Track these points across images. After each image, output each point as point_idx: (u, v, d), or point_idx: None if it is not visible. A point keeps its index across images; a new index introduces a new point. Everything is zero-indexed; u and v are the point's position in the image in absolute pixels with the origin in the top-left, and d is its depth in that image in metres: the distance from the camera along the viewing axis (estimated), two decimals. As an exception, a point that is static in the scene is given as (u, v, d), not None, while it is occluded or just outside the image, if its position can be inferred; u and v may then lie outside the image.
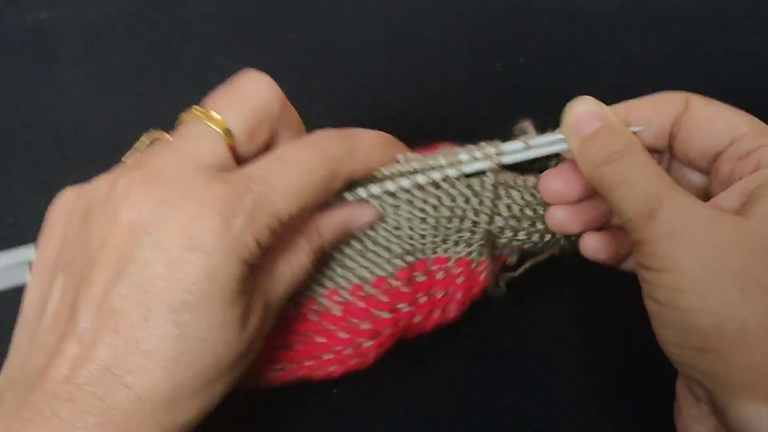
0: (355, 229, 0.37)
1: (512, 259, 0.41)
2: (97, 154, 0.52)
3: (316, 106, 0.53)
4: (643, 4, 0.55)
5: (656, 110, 0.36)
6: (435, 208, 0.37)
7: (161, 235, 0.30)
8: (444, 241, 0.38)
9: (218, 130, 0.33)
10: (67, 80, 0.54)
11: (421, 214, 0.37)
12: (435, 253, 0.39)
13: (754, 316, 0.29)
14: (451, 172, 0.37)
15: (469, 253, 0.39)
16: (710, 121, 0.35)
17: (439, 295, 0.39)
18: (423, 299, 0.39)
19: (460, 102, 0.53)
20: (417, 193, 0.37)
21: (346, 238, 0.37)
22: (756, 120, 0.35)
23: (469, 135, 0.52)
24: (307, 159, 0.33)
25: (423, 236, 0.38)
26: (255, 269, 0.32)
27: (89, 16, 0.56)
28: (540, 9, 0.55)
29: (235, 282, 0.30)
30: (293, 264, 0.34)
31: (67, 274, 0.32)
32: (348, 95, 0.53)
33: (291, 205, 0.32)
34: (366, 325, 0.38)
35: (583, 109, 0.36)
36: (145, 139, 0.36)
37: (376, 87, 0.54)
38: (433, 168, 0.37)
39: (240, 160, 0.34)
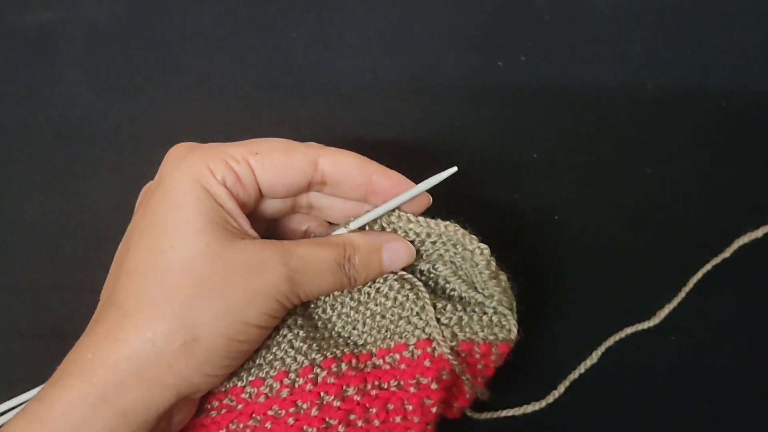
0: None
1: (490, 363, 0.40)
2: (99, 153, 0.53)
3: (316, 105, 0.54)
4: (643, 2, 0.55)
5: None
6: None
7: None
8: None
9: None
10: (68, 80, 0.54)
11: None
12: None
13: None
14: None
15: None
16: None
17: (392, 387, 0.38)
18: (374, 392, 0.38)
19: (460, 100, 0.53)
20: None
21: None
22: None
23: (469, 132, 0.53)
24: None
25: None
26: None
27: (91, 16, 0.56)
28: (541, 7, 0.55)
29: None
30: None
31: None
32: (348, 95, 0.53)
33: None
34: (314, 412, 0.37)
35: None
36: None
37: (376, 86, 0.54)
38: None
39: None
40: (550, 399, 0.45)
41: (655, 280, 0.48)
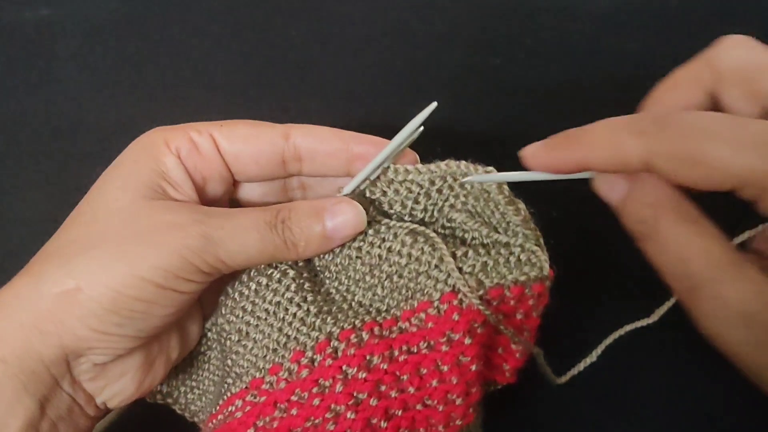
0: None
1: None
2: (97, 149, 0.53)
3: (315, 102, 0.54)
4: (641, 1, 0.55)
5: None
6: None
7: None
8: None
9: None
10: (66, 76, 0.54)
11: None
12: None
13: None
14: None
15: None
16: None
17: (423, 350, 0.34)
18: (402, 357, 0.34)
19: (458, 98, 0.53)
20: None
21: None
22: None
23: (466, 129, 0.53)
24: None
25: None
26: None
27: (89, 13, 0.56)
28: (540, 5, 0.55)
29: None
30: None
31: None
32: (347, 92, 0.53)
33: None
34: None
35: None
36: None
37: (374, 84, 0.54)
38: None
39: None
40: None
41: (654, 277, 0.48)
